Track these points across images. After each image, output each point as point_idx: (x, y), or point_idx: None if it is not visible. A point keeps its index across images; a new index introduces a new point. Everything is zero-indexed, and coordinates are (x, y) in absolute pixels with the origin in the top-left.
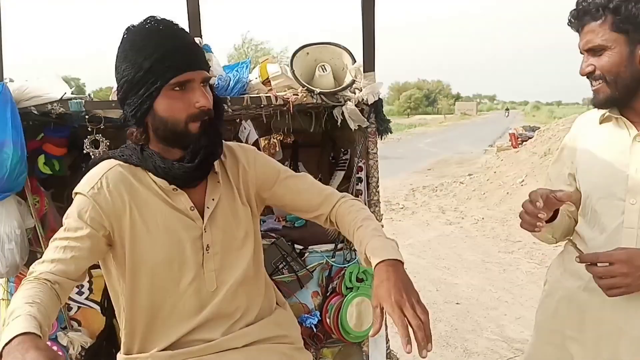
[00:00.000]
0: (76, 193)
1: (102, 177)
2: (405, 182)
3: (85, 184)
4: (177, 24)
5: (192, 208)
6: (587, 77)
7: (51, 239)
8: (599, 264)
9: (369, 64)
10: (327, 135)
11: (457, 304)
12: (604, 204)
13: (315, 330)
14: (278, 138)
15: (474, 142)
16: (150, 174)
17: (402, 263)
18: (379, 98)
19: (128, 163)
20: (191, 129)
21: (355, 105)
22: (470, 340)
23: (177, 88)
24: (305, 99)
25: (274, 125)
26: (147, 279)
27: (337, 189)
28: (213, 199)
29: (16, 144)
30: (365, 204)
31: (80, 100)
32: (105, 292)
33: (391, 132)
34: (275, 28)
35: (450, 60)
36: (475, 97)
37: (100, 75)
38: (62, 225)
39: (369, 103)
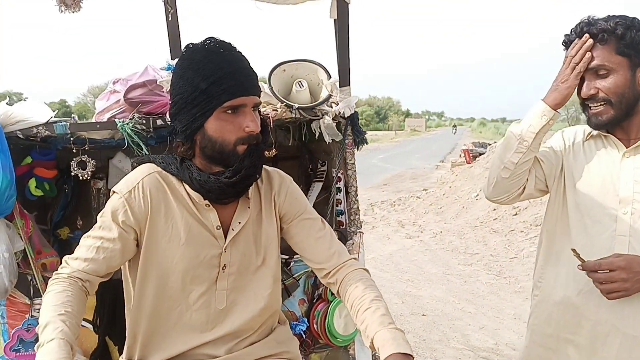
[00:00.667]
0: (114, 192)
1: (139, 181)
2: (363, 197)
3: (124, 186)
4: (235, 47)
5: (218, 227)
6: (586, 100)
7: (84, 235)
8: (599, 271)
9: (344, 79)
10: (304, 148)
11: (423, 315)
12: (597, 213)
13: (304, 336)
14: None
15: (425, 158)
16: (186, 185)
17: (413, 357)
18: (355, 111)
19: (167, 171)
20: (239, 150)
21: (333, 119)
22: (439, 350)
23: (230, 111)
24: (284, 114)
25: None
26: (155, 286)
27: (316, 199)
28: (240, 222)
29: (4, 168)
30: (345, 213)
31: (65, 122)
32: (96, 310)
33: (367, 143)
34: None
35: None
36: (424, 114)
37: (46, 89)
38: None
39: (346, 116)
